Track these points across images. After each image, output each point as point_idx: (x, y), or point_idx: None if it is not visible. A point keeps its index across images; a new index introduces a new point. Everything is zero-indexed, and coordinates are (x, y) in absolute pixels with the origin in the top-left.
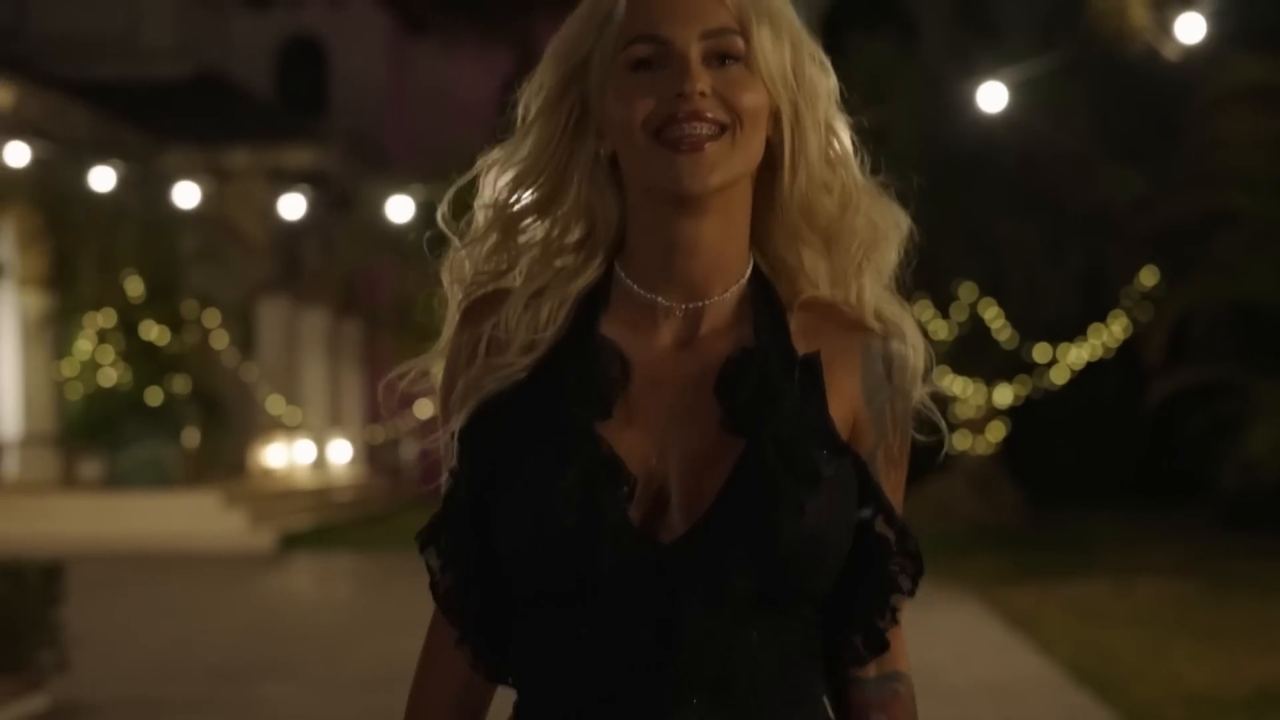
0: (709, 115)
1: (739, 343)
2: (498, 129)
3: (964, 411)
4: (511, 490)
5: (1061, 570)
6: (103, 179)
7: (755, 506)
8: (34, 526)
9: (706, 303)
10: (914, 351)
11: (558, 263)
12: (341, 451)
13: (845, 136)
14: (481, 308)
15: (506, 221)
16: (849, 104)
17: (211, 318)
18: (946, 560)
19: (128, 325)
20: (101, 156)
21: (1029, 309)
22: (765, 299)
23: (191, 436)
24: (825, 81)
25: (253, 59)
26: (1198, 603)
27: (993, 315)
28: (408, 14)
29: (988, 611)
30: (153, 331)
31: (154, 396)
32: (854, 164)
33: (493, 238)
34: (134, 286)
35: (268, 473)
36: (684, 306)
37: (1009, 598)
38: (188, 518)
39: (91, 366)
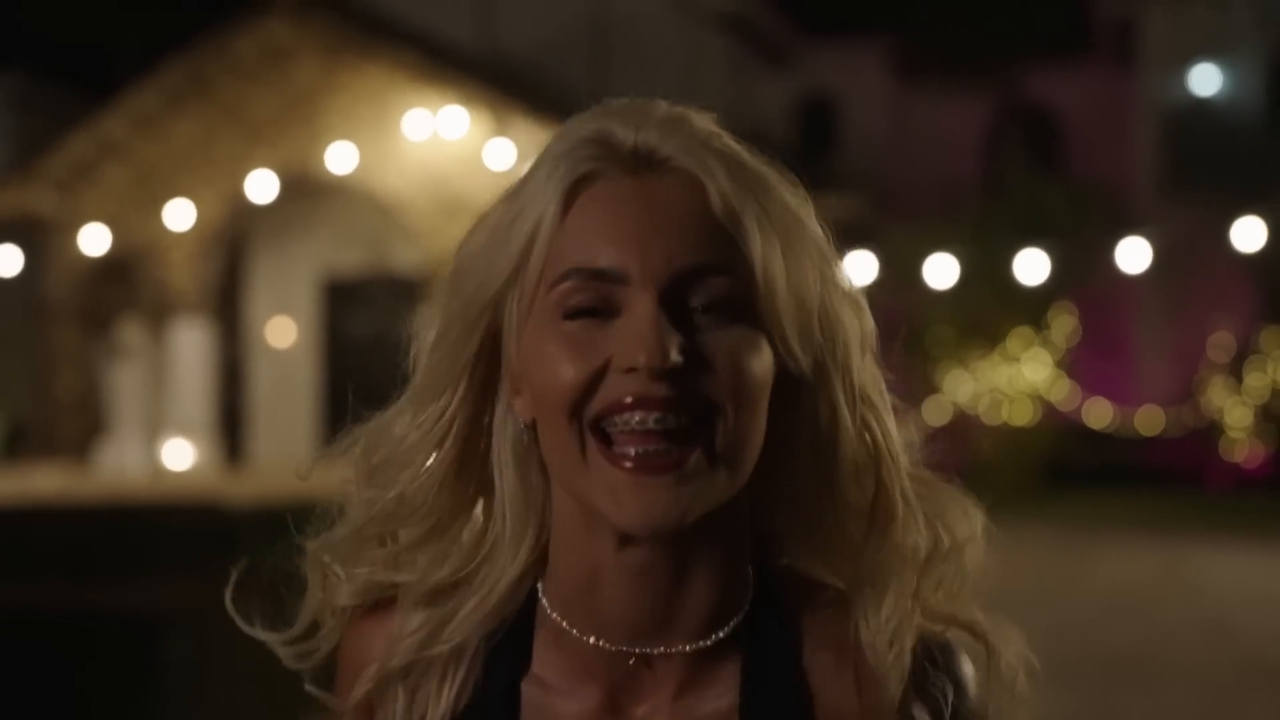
0: (678, 404)
1: (716, 708)
2: (981, 169)
3: None
4: None
5: None
6: None
7: None
8: None
9: (663, 651)
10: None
11: (453, 579)
12: None
13: (887, 409)
14: (356, 641)
15: (384, 517)
16: None
17: None
18: None
19: None
20: None
21: None
22: (767, 624)
23: None
24: (857, 325)
25: (775, 114)
26: None
27: None
28: (906, 65)
29: None
30: None
31: None
32: (899, 447)
33: (366, 536)
34: None
35: None
36: (634, 653)
37: None
38: None
39: None
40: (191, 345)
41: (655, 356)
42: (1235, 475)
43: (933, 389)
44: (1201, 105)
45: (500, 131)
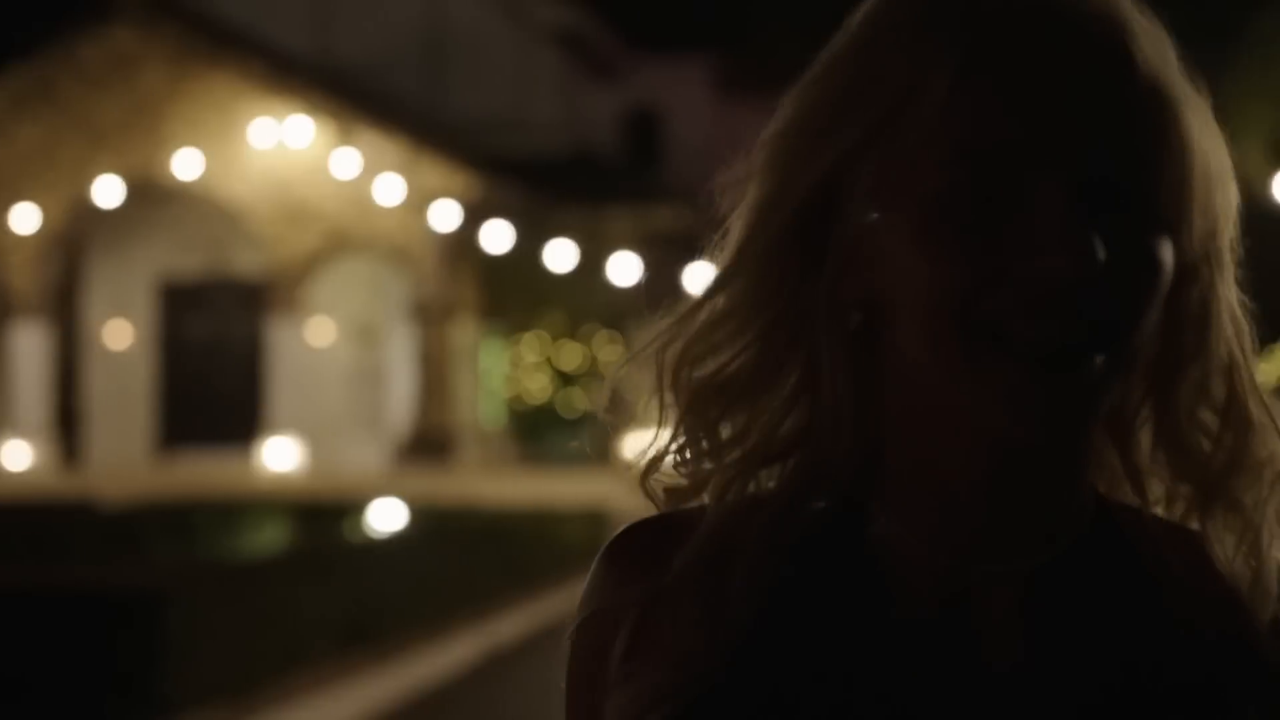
0: (1094, 307)
1: (1059, 627)
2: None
3: None
4: None
5: None
6: (506, 238)
7: None
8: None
9: (1001, 570)
10: None
11: (756, 486)
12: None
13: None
14: (640, 552)
15: (696, 403)
16: None
17: (603, 340)
18: None
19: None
20: (526, 221)
21: None
22: (1110, 545)
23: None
24: (1231, 208)
25: (602, 128)
26: None
27: None
28: (729, 80)
29: None
30: (570, 355)
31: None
32: (1251, 348)
33: (678, 432)
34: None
35: (634, 461)
36: (971, 570)
37: None
38: (597, 490)
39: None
40: (29, 347)
41: (1076, 260)
42: None
43: None
44: None
45: (345, 141)
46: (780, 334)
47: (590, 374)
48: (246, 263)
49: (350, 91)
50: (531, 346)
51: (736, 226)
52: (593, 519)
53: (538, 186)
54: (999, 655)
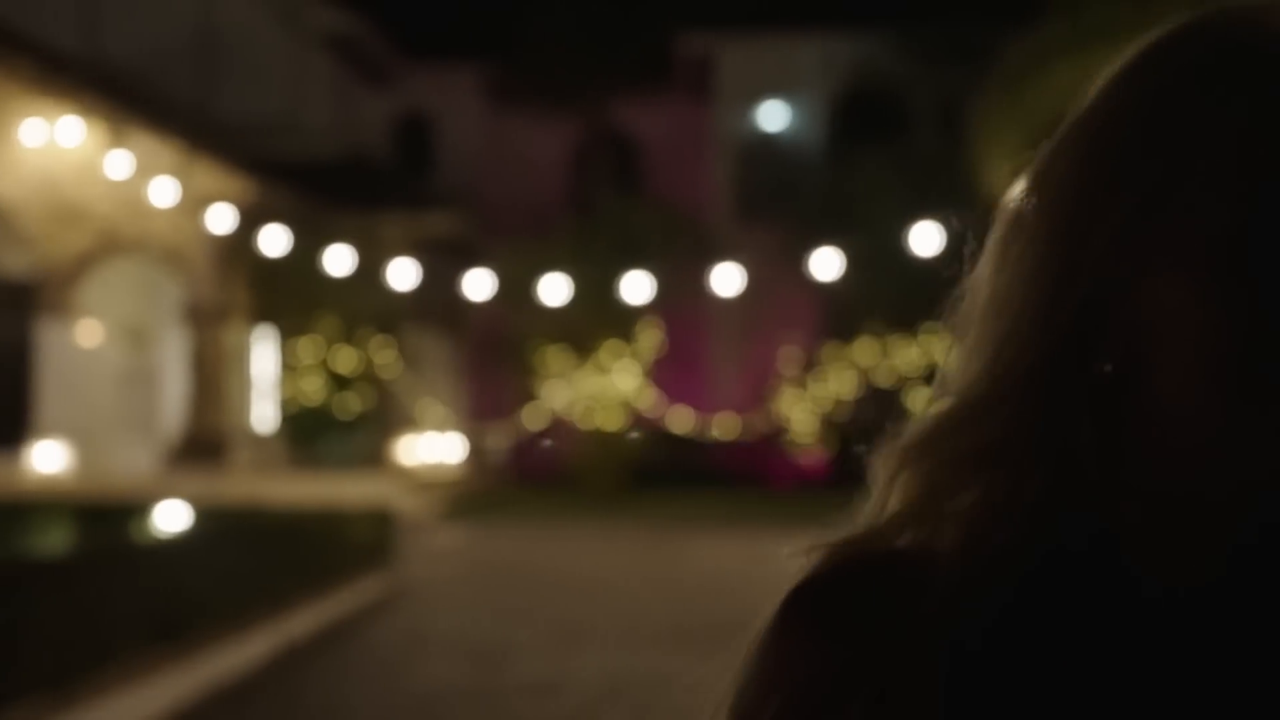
0: None
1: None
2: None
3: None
4: None
5: None
6: (281, 241)
7: None
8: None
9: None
10: None
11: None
12: (452, 447)
13: None
14: (863, 613)
15: (941, 469)
16: (848, 208)
17: (384, 347)
18: None
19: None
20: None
21: None
22: None
23: (368, 435)
24: None
25: (376, 133)
26: None
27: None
28: (500, 89)
29: None
30: (345, 358)
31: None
32: None
33: (902, 469)
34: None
35: (407, 462)
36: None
37: None
38: (373, 492)
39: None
40: None
41: None
42: (797, 475)
43: (533, 397)
44: (770, 140)
45: (117, 142)
46: (1037, 395)
47: (364, 378)
48: (15, 263)
49: (122, 92)
50: (306, 350)
51: (988, 294)
52: (379, 518)
53: (312, 190)
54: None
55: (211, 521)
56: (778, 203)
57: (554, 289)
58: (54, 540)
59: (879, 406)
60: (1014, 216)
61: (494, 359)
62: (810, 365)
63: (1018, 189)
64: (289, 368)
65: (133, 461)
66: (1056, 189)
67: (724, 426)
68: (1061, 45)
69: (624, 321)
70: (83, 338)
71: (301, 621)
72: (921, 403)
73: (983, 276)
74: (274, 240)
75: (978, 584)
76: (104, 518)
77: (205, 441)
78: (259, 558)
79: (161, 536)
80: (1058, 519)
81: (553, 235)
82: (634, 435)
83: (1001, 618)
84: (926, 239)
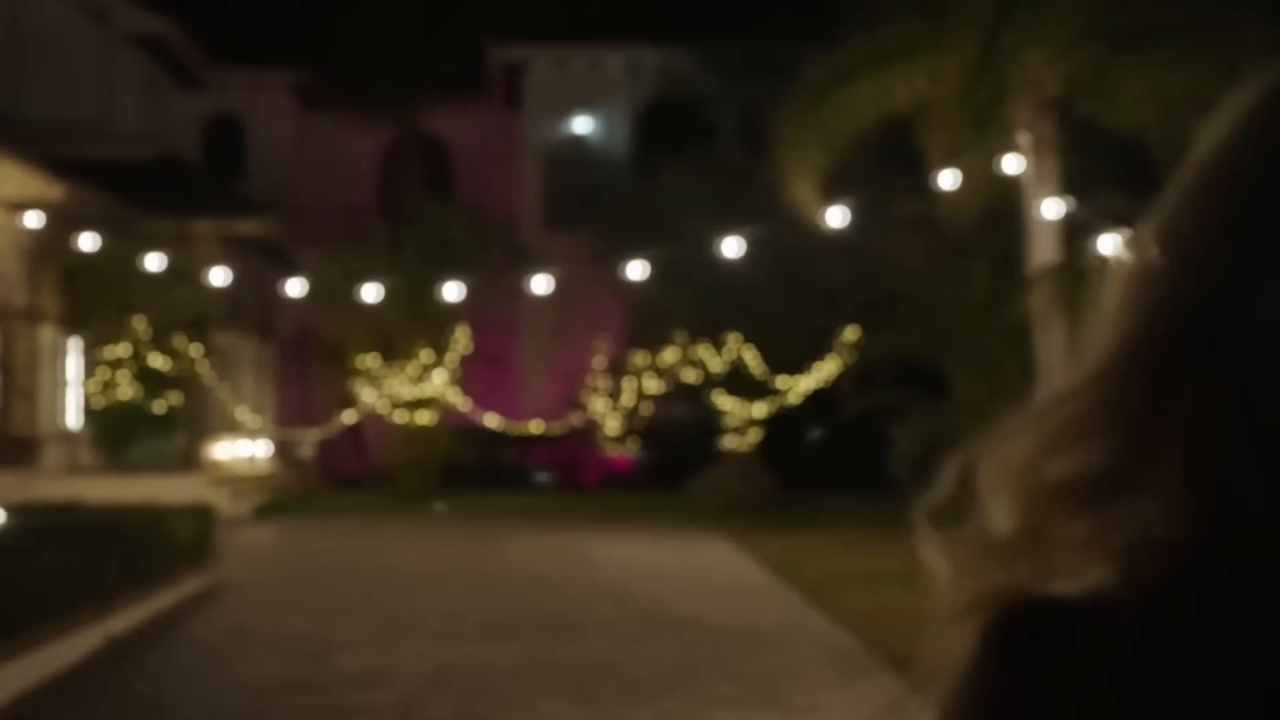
0: None
1: None
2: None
3: (731, 421)
4: None
5: (791, 526)
6: (91, 243)
7: None
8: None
9: None
10: None
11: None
12: (264, 447)
13: None
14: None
15: (1040, 498)
16: (655, 216)
17: (195, 348)
18: (717, 520)
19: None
20: (108, 227)
21: (776, 352)
22: None
23: (181, 436)
24: None
25: (186, 136)
26: (861, 540)
27: (751, 356)
28: (312, 94)
29: (736, 547)
30: (156, 360)
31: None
32: None
33: (1010, 520)
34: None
35: (220, 462)
36: None
37: (753, 540)
38: (186, 492)
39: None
40: None
41: None
42: (604, 473)
43: (350, 398)
44: (578, 148)
45: None
46: (1158, 424)
47: (176, 380)
48: None
49: None
50: (117, 352)
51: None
52: (198, 515)
53: (123, 192)
54: None
55: (31, 520)
56: (587, 210)
57: (367, 293)
58: None
59: (685, 405)
60: (1137, 271)
61: (307, 361)
62: (619, 368)
63: (1135, 243)
64: (100, 369)
65: None
66: (1186, 240)
67: (536, 426)
68: (861, 62)
69: (437, 325)
70: None
71: (125, 618)
72: (729, 403)
73: (1099, 337)
74: (83, 242)
75: (1173, 629)
76: None
77: (15, 443)
78: (80, 555)
79: None
80: (1227, 555)
81: (365, 240)
82: (445, 434)
83: (1211, 661)
84: (731, 247)
